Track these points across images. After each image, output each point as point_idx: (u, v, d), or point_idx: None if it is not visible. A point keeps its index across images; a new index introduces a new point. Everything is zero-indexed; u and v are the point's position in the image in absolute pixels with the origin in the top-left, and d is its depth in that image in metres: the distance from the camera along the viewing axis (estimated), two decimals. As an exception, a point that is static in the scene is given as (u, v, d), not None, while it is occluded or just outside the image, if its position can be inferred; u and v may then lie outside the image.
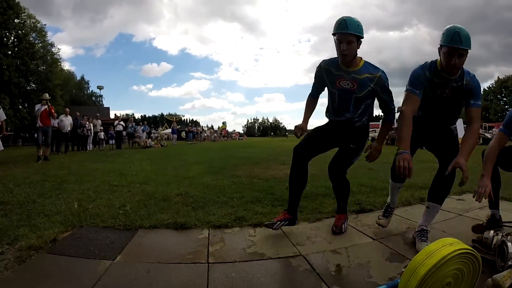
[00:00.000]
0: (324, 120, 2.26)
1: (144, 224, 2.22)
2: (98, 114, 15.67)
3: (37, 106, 7.73)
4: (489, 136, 16.36)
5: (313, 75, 2.18)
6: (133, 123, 16.18)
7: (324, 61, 2.10)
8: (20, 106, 22.08)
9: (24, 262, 1.63)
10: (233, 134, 38.87)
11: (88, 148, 12.19)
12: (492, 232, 1.45)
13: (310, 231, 2.17)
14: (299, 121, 2.20)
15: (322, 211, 2.59)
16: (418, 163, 6.31)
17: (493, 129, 24.04)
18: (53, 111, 7.61)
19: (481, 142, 15.46)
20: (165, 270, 1.59)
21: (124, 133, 14.73)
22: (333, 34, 1.92)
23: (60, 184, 3.84)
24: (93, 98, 46.12)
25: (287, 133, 65.05)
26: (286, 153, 8.97)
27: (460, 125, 14.27)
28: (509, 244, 1.25)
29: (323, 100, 2.32)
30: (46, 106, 7.41)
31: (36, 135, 8.54)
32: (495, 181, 1.92)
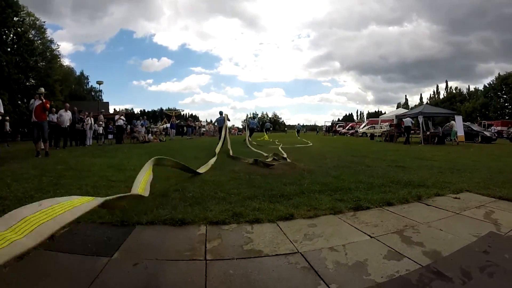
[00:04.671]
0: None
1: (141, 220, 2.22)
2: (91, 112, 15.35)
3: (32, 101, 7.49)
4: (488, 135, 16.24)
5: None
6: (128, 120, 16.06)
7: None
8: (19, 102, 22.06)
9: (22, 259, 1.63)
10: (232, 130, 38.54)
11: (87, 143, 12.15)
12: None
13: (307, 228, 2.17)
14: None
15: (319, 207, 2.59)
16: (416, 161, 6.33)
17: (492, 127, 24.00)
18: (48, 105, 7.35)
19: (479, 140, 15.43)
20: (163, 267, 1.59)
21: (121, 122, 14.32)
22: None
23: (58, 179, 3.83)
24: (93, 93, 45.89)
25: (286, 128, 64.35)
26: (285, 150, 8.97)
27: (459, 123, 14.30)
28: None
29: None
30: (40, 101, 7.22)
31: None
32: None
